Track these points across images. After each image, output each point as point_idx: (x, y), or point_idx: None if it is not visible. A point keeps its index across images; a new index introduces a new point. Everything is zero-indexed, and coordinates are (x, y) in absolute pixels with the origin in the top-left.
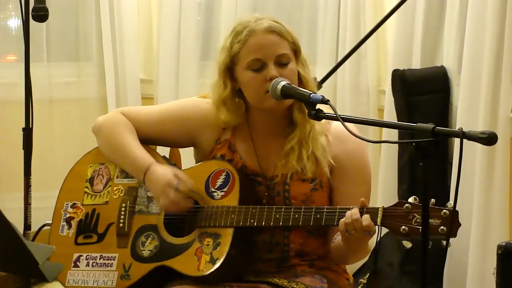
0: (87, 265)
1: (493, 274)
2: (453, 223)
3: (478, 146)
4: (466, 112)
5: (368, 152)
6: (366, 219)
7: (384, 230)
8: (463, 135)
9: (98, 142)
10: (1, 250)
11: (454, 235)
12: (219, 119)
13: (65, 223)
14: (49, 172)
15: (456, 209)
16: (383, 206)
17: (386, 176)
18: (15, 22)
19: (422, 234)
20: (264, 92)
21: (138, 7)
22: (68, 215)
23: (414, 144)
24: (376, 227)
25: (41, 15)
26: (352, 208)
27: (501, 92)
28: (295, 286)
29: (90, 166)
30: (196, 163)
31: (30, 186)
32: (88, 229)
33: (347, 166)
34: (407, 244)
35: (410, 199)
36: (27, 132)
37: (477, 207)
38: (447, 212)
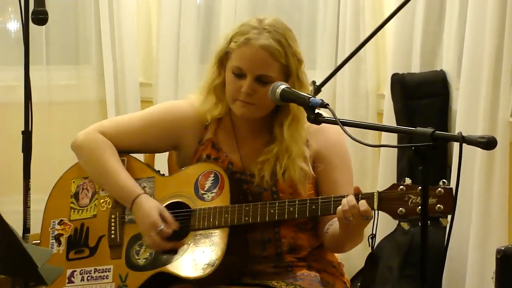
0: (82, 279)
1: (492, 278)
2: (449, 199)
3: (478, 150)
4: (465, 116)
5: (368, 156)
6: (363, 204)
7: (385, 232)
8: (462, 139)
9: (79, 160)
10: (0, 253)
11: (451, 212)
12: (203, 108)
13: (54, 241)
14: (48, 175)
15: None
16: (378, 191)
17: (385, 180)
18: (14, 25)
19: (422, 236)
20: (234, 99)
21: (137, 10)
22: (56, 232)
23: (413, 148)
24: (373, 211)
25: (41, 18)
26: (347, 195)
27: (500, 96)
28: None
29: (73, 182)
30: (179, 168)
31: (29, 189)
32: (78, 244)
33: (329, 155)
34: (405, 226)
35: (404, 181)
36: (27, 135)
37: (476, 211)
38: (442, 190)
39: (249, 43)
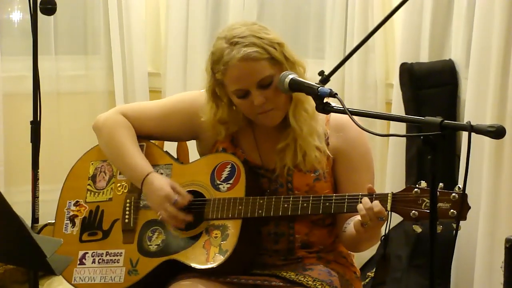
0: (93, 262)
1: (501, 267)
2: (462, 206)
3: (486, 139)
4: (474, 106)
5: (376, 145)
6: (376, 205)
7: (392, 223)
8: (471, 128)
9: (98, 141)
10: (10, 243)
11: (464, 218)
12: (220, 135)
13: (68, 221)
14: (57, 165)
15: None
16: (392, 192)
17: (394, 169)
18: (23, 16)
19: (430, 228)
20: (256, 114)
21: (146, 0)
22: (71, 213)
23: (422, 137)
24: (387, 213)
25: (49, 8)
26: (361, 197)
27: (509, 85)
28: (302, 279)
29: (92, 164)
30: (200, 156)
31: (38, 179)
32: (92, 226)
33: (349, 154)
34: (417, 229)
35: (419, 184)
36: (35, 125)
37: (485, 201)
38: (456, 195)
39: (229, 64)
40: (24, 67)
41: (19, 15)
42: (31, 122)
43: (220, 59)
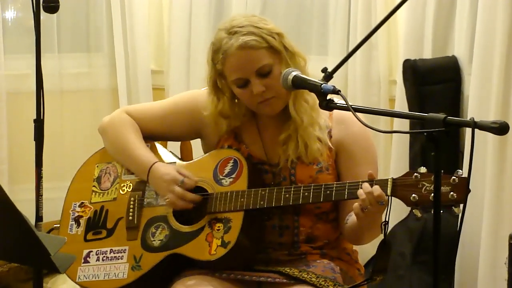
0: (97, 260)
1: (505, 263)
2: (462, 188)
3: (490, 135)
4: (477, 102)
5: (380, 142)
6: (376, 189)
7: (397, 218)
8: (474, 125)
9: (104, 142)
10: (13, 241)
11: (463, 201)
12: (221, 130)
13: (73, 222)
14: (60, 163)
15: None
16: (392, 177)
17: (397, 166)
18: (26, 14)
19: (434, 225)
20: (256, 103)
21: None
22: (76, 214)
23: (425, 134)
24: (387, 198)
25: (52, 6)
26: (361, 184)
27: None
28: (306, 275)
29: (97, 166)
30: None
31: (42, 177)
32: (97, 225)
33: (352, 148)
34: (418, 213)
35: (419, 169)
36: (39, 123)
37: (488, 197)
38: (457, 179)
39: (228, 53)
40: (27, 65)
41: (22, 13)
42: (35, 120)
43: (219, 48)
